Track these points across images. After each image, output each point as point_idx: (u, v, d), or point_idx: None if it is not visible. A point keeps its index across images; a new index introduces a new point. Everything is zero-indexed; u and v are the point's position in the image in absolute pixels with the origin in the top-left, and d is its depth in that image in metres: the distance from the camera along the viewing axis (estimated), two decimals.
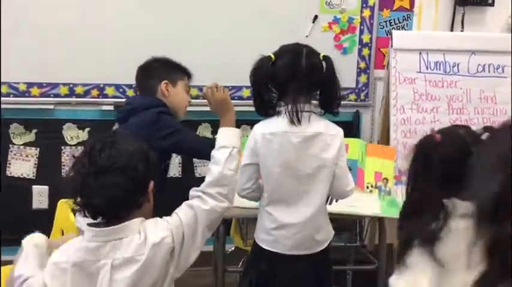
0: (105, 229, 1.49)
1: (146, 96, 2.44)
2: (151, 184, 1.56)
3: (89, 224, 1.52)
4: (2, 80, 2.93)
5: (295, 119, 1.93)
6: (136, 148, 1.54)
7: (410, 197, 1.67)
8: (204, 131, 3.28)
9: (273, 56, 1.99)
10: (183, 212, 1.62)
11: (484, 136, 1.58)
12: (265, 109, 2.02)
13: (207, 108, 3.12)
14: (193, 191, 1.69)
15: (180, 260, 1.57)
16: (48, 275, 1.51)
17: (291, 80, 1.94)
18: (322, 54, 1.98)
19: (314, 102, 2.01)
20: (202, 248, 1.64)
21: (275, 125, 1.97)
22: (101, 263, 1.48)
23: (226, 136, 1.82)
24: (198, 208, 1.62)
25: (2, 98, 2.96)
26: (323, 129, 1.97)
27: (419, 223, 1.57)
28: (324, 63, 1.97)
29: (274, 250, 2.02)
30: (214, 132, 3.00)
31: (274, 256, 2.02)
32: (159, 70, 2.42)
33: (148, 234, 1.50)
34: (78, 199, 1.49)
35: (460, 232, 1.53)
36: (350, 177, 2.10)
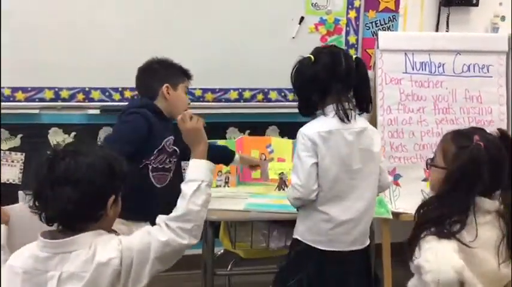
0: (55, 241, 1.46)
1: (136, 99, 2.45)
2: (112, 198, 1.51)
3: (42, 233, 1.49)
4: None
5: (344, 117, 1.99)
6: (98, 160, 1.49)
7: (442, 198, 1.71)
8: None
9: (312, 57, 2.03)
10: (139, 236, 1.56)
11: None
12: (310, 109, 2.07)
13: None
14: (158, 219, 1.62)
15: (127, 284, 1.49)
16: (4, 276, 1.50)
17: (333, 80, 2.00)
18: (355, 56, 2.06)
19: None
20: (150, 278, 1.54)
21: (327, 124, 2.01)
22: (49, 275, 1.45)
23: (196, 169, 1.72)
24: (154, 237, 1.55)
25: None
26: (366, 125, 2.08)
27: (440, 217, 1.66)
28: (355, 65, 2.03)
29: (333, 249, 2.05)
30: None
31: (327, 255, 2.04)
32: (160, 73, 2.43)
33: (97, 251, 1.45)
34: (36, 203, 1.47)
35: (482, 226, 1.64)
36: (386, 174, 2.24)
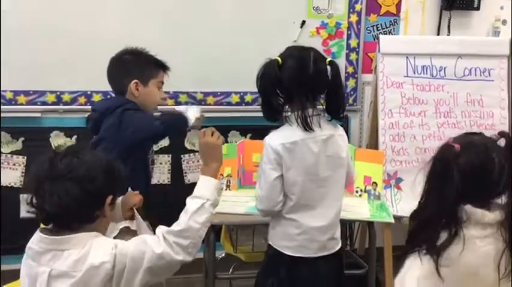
0: (50, 237, 1.47)
1: (109, 99, 2.43)
2: (109, 198, 1.52)
3: (42, 229, 1.51)
4: None
5: (306, 126, 1.93)
6: (99, 161, 1.51)
7: (425, 207, 1.65)
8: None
9: (279, 59, 1.94)
10: (134, 244, 1.55)
11: (501, 142, 1.61)
12: (274, 115, 1.98)
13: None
14: (158, 229, 1.61)
15: None
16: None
17: (298, 85, 1.92)
18: (328, 59, 1.96)
19: (319, 107, 2.00)
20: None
21: (292, 134, 1.95)
22: (40, 270, 1.46)
23: (204, 186, 1.70)
24: (149, 247, 1.54)
25: None
26: (334, 131, 2.01)
27: (431, 232, 1.59)
28: (329, 68, 1.94)
29: (300, 255, 2.02)
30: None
31: (298, 260, 2.02)
32: (131, 66, 2.31)
33: (90, 253, 1.46)
34: (34, 201, 1.49)
35: (475, 240, 1.56)
36: (354, 168, 2.23)
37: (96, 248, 1.47)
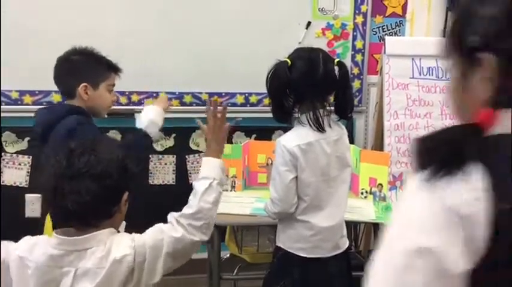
0: (70, 238, 1.47)
1: (52, 107, 2.37)
2: (126, 194, 1.54)
3: (57, 231, 1.50)
4: None
5: (319, 127, 1.95)
6: (115, 157, 1.53)
7: None
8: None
9: (289, 60, 1.95)
10: (151, 233, 1.57)
11: None
12: (284, 116, 2.00)
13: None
14: (169, 216, 1.63)
15: (140, 282, 1.50)
16: (14, 267, 1.50)
17: (309, 86, 1.93)
18: (336, 60, 1.98)
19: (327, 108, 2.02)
20: (162, 275, 1.55)
21: (306, 135, 1.96)
22: (64, 270, 1.46)
23: (208, 167, 1.73)
24: (167, 233, 1.57)
25: None
26: (341, 131, 2.05)
27: None
28: (337, 69, 1.95)
29: (314, 255, 2.03)
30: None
31: (310, 261, 2.02)
32: (80, 68, 2.16)
33: (112, 249, 1.47)
34: (50, 199, 1.48)
35: None
36: None
37: (117, 244, 1.49)
